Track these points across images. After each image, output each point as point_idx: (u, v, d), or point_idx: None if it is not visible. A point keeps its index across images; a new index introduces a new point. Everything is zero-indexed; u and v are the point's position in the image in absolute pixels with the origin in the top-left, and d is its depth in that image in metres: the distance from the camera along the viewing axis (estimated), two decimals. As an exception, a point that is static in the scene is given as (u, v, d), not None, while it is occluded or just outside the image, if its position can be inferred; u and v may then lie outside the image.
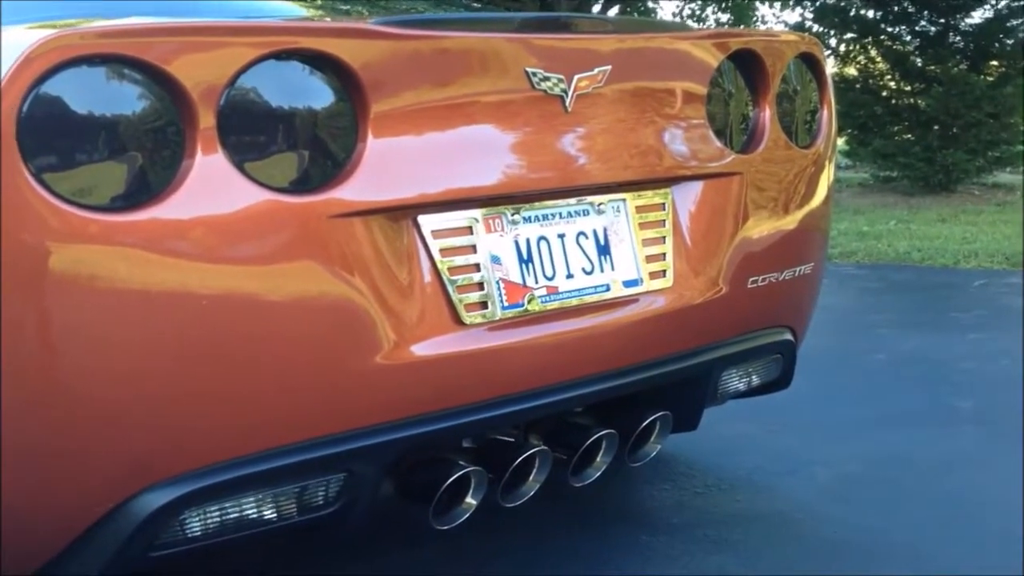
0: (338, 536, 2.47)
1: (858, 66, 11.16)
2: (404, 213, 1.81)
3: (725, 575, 2.34)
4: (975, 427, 3.25)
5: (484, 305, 1.88)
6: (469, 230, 1.88)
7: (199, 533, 1.73)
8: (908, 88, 10.61)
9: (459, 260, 1.87)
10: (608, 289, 2.05)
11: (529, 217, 1.96)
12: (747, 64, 2.28)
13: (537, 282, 1.95)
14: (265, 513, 1.78)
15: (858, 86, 10.74)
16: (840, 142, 10.26)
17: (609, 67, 2.00)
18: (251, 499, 1.75)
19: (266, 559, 2.42)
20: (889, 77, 10.86)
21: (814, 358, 3.28)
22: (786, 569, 2.38)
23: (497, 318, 1.89)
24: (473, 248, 1.88)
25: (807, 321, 2.57)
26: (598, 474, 2.24)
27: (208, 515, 1.73)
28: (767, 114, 2.31)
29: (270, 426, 1.71)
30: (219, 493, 1.70)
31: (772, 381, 2.50)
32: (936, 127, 10.03)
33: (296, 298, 1.69)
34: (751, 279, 2.27)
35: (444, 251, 1.85)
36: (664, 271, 2.13)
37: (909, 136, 10.26)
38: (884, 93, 10.74)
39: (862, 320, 4.89)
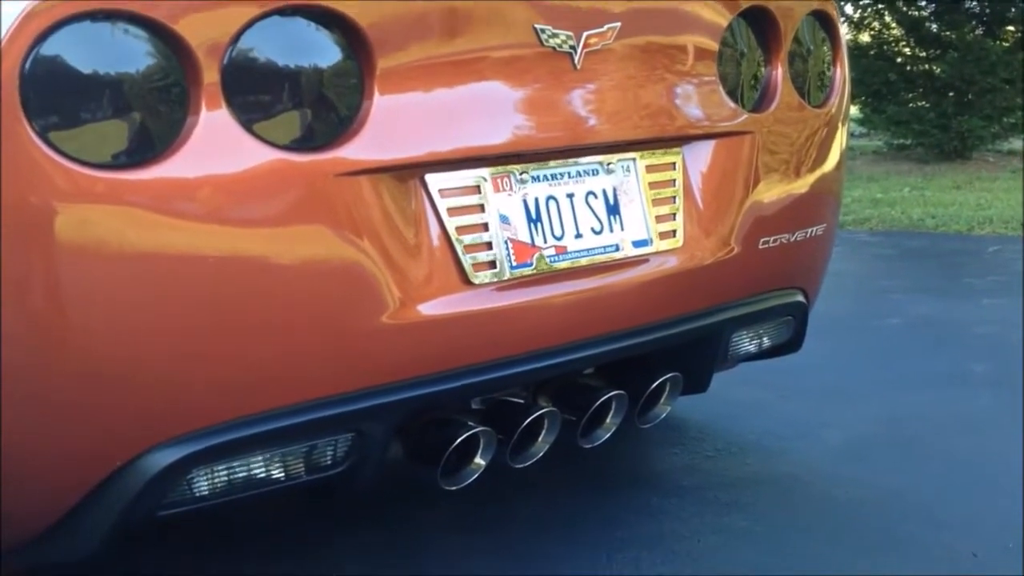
0: (347, 499, 2.48)
1: (872, 32, 11.05)
2: (411, 172, 1.80)
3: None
4: (989, 390, 3.23)
5: (492, 265, 1.87)
6: (477, 189, 1.87)
7: (207, 492, 1.73)
8: (923, 54, 10.51)
9: (467, 219, 1.85)
10: (618, 249, 2.03)
11: (538, 176, 1.94)
12: (759, 21, 2.25)
13: (546, 242, 1.94)
14: (273, 472, 1.77)
15: (872, 52, 10.63)
16: (854, 110, 10.19)
17: (619, 24, 1.97)
18: (259, 458, 1.75)
19: (276, 516, 2.43)
20: (903, 43, 10.76)
21: (826, 323, 3.27)
22: (798, 530, 2.38)
23: (506, 278, 1.88)
24: (481, 207, 1.87)
25: (819, 283, 2.55)
26: (607, 435, 2.23)
27: (216, 474, 1.73)
28: (779, 72, 2.28)
29: (278, 385, 1.71)
30: (227, 452, 1.70)
31: (783, 343, 2.48)
32: (951, 93, 9.95)
33: (302, 257, 1.68)
34: (762, 240, 2.25)
35: (452, 210, 1.83)
36: (674, 231, 2.11)
37: (924, 103, 10.17)
38: (898, 59, 10.64)
39: (875, 285, 4.87)
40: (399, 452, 2.03)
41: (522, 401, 2.13)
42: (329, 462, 1.82)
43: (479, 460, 2.01)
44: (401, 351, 1.78)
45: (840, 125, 2.46)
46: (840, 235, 2.78)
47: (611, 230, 2.02)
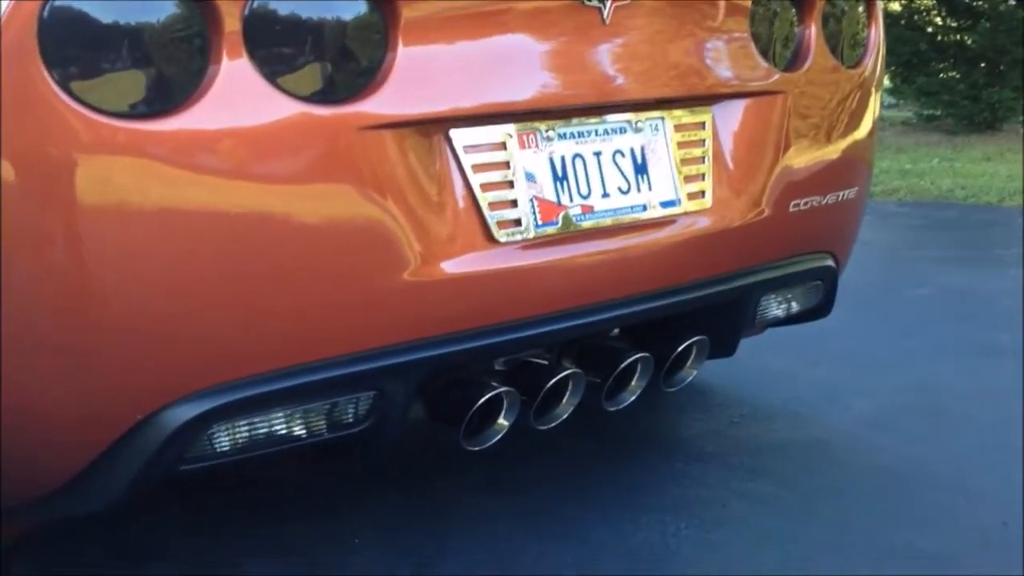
0: (367, 460, 2.47)
1: (903, 2, 10.88)
2: (436, 127, 1.76)
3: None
4: (1016, 360, 3.18)
5: (517, 223, 1.83)
6: (503, 146, 1.83)
7: (228, 448, 1.71)
8: (954, 24, 10.33)
9: (492, 176, 1.82)
10: (645, 209, 1.99)
11: (564, 134, 1.91)
12: (792, -22, 2.20)
13: (572, 200, 1.90)
14: (294, 429, 1.76)
15: (902, 22, 10.46)
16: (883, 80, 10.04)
17: (649, -22, 1.93)
18: (280, 415, 1.74)
19: (294, 477, 2.42)
20: (935, 12, 10.58)
21: (855, 292, 3.22)
22: (825, 497, 2.35)
23: (531, 236, 1.85)
24: (507, 164, 1.83)
25: (849, 248, 2.50)
26: (632, 399, 2.20)
27: (237, 430, 1.71)
28: (812, 32, 2.23)
29: (300, 342, 1.69)
30: (248, 408, 1.69)
31: (812, 308, 2.44)
32: (982, 64, 9.78)
33: (324, 212, 1.65)
34: (793, 202, 2.21)
35: (477, 167, 1.80)
36: (703, 192, 2.07)
37: (954, 74, 10.01)
38: (929, 29, 10.46)
39: (904, 256, 4.81)
40: (421, 412, 2.01)
41: (546, 362, 2.11)
42: (351, 420, 1.80)
43: (502, 421, 1.99)
44: (424, 309, 1.76)
45: (874, 88, 2.41)
46: (869, 205, 2.72)
47: (638, 190, 1.99)
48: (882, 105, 8.96)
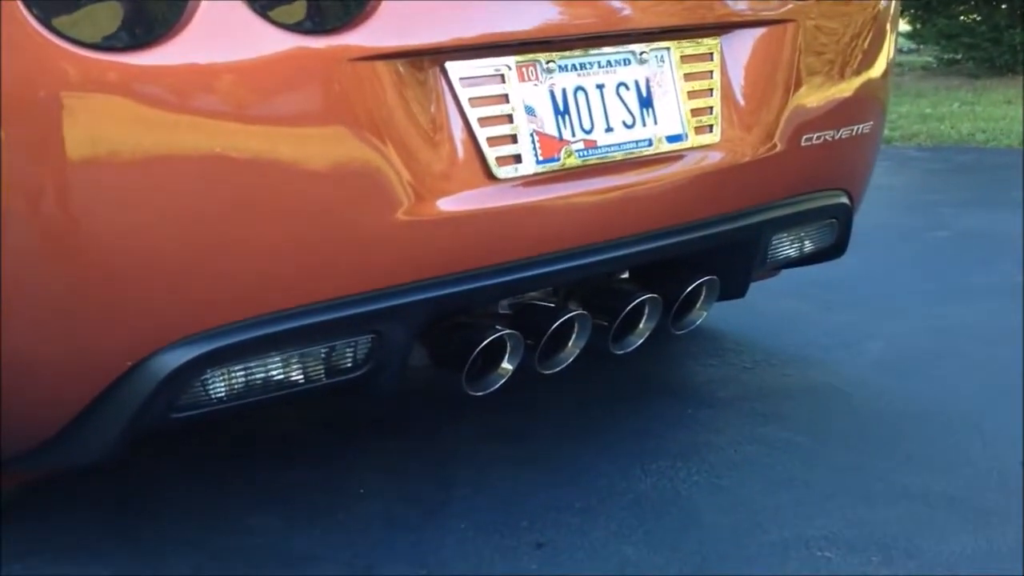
0: (368, 407, 2.43)
1: (923, -57, 10.66)
2: (431, 59, 1.69)
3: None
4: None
5: (517, 159, 1.77)
6: (501, 78, 1.76)
7: (223, 395, 1.67)
8: (975, -35, 10.13)
9: (490, 110, 1.75)
10: (650, 144, 1.92)
11: (565, 66, 1.84)
12: (803, -100, 2.11)
13: (574, 135, 1.83)
14: (291, 375, 1.71)
15: (922, -37, 10.26)
16: (903, 24, 9.87)
17: (651, -100, 1.85)
18: (276, 360, 1.69)
19: (294, 425, 2.39)
20: (955, -47, 10.37)
21: (872, 235, 3.15)
22: (839, 442, 2.30)
23: (531, 173, 1.78)
24: (505, 98, 1.77)
25: (864, 185, 2.43)
26: (640, 342, 2.14)
27: (232, 376, 1.67)
28: (824, -42, 2.14)
29: (293, 284, 1.63)
30: (243, 352, 1.64)
31: (826, 248, 2.37)
32: (1003, 6, 9.59)
33: (314, 149, 1.59)
34: (805, 136, 2.13)
35: (474, 100, 1.73)
36: (711, 126, 2.00)
37: (975, 16, 9.82)
38: (950, -30, 10.26)
39: (922, 199, 4.72)
40: (424, 358, 1.96)
41: (551, 304, 2.05)
42: (349, 365, 1.75)
43: (506, 365, 1.94)
44: (421, 249, 1.70)
45: (889, 22, 2.32)
46: (888, 151, 2.66)
47: (643, 124, 1.92)
48: (901, 50, 8.77)
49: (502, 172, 1.75)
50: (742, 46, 2.04)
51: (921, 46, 10.60)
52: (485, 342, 1.87)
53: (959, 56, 9.79)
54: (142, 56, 1.46)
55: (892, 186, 4.67)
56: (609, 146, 1.87)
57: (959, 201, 4.60)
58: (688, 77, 1.97)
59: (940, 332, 2.88)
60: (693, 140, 1.97)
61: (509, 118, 1.76)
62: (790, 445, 2.30)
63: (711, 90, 2.00)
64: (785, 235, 2.24)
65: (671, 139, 1.94)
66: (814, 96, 2.13)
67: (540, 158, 1.79)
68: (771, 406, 2.47)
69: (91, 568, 1.88)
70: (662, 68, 1.94)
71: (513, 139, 1.76)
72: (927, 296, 3.20)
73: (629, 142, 1.89)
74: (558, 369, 2.04)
